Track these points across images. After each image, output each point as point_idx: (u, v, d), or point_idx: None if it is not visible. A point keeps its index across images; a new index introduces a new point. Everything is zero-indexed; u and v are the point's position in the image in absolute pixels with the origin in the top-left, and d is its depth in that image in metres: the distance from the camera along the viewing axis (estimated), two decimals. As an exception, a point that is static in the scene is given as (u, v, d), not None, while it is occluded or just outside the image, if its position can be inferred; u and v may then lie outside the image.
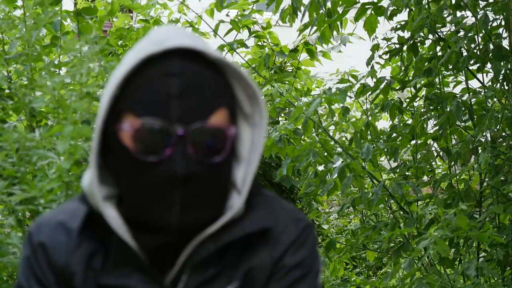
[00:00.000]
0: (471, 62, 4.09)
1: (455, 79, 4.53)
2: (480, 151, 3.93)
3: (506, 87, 4.00)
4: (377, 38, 4.32)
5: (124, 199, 1.36)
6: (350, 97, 4.24)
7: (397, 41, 4.25)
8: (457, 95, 4.10)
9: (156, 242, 1.34)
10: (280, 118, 5.82)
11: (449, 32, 4.24)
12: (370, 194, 3.84)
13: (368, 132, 4.15)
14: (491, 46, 3.99)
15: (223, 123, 1.32)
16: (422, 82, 4.17)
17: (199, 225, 1.34)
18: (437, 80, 4.11)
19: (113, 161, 1.35)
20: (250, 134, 1.39)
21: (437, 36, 4.17)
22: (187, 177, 1.30)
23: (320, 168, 3.98)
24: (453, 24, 4.18)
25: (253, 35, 5.33)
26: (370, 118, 4.17)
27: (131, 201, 1.34)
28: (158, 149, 1.30)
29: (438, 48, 4.14)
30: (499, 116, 3.90)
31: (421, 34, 4.14)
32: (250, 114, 1.39)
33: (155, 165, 1.30)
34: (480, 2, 4.12)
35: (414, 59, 4.19)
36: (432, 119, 4.25)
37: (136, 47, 1.35)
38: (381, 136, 4.25)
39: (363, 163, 3.93)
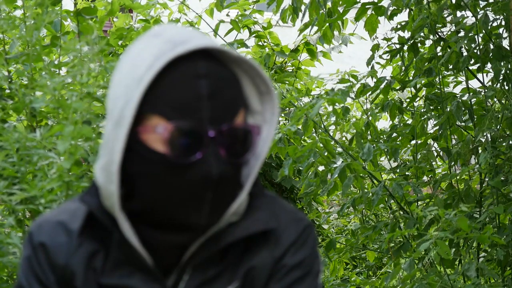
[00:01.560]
0: (471, 62, 4.09)
1: (455, 79, 4.53)
2: (480, 151, 3.93)
3: (506, 87, 4.00)
4: (377, 38, 4.32)
5: (143, 199, 1.35)
6: (353, 99, 4.24)
7: (397, 41, 4.25)
8: (457, 95, 4.11)
9: (172, 242, 1.34)
10: (280, 118, 5.82)
11: (449, 32, 4.24)
12: (370, 194, 3.84)
13: (368, 132, 4.15)
14: (491, 46, 3.99)
15: (244, 121, 1.34)
16: (422, 82, 4.17)
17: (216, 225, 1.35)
18: (437, 80, 4.11)
19: (132, 162, 1.34)
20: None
21: (437, 36, 4.17)
22: (220, 179, 1.30)
23: (321, 168, 3.98)
24: (453, 24, 4.18)
25: (254, 35, 5.34)
26: (370, 118, 4.17)
27: (155, 202, 1.33)
28: (190, 151, 1.30)
29: (439, 48, 4.14)
30: (499, 116, 3.90)
31: (422, 34, 4.14)
32: (259, 110, 1.39)
33: (188, 167, 1.30)
34: (480, 2, 4.12)
35: (414, 59, 4.19)
36: (432, 119, 4.25)
37: (146, 47, 1.33)
38: (381, 136, 4.25)
39: (364, 163, 3.93)
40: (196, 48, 1.30)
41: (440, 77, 4.06)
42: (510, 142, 3.96)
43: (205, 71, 1.30)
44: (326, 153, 3.82)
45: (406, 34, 4.28)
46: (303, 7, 4.27)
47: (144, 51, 1.33)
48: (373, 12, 4.21)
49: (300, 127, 3.90)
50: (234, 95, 1.32)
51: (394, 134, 4.24)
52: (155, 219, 1.34)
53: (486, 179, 4.03)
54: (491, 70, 4.03)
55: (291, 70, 5.62)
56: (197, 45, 1.30)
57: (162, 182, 1.32)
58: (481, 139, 3.92)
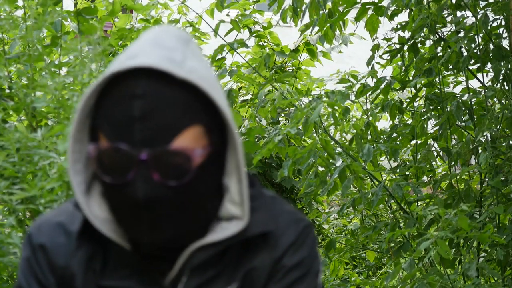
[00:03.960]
0: (471, 62, 4.09)
1: (455, 79, 4.53)
2: (480, 151, 3.93)
3: (506, 87, 4.00)
4: (377, 38, 4.33)
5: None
6: (353, 101, 4.24)
7: (397, 41, 4.26)
8: (457, 95, 4.11)
9: (144, 251, 1.35)
10: (280, 118, 5.83)
11: (450, 32, 4.24)
12: (370, 195, 3.84)
13: (368, 132, 4.15)
14: (491, 46, 4.00)
15: (191, 143, 1.29)
16: (422, 82, 4.17)
17: (176, 241, 1.34)
18: (437, 80, 4.11)
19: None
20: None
21: (437, 36, 4.18)
22: (150, 201, 1.28)
23: (321, 168, 3.98)
24: (453, 24, 4.19)
25: (254, 35, 5.34)
26: (370, 118, 4.17)
27: (112, 214, 1.35)
28: (121, 172, 1.28)
29: (439, 48, 4.15)
30: (499, 116, 3.90)
31: (422, 34, 4.14)
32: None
33: (119, 187, 1.29)
34: (480, 2, 4.13)
35: (415, 59, 4.19)
36: (432, 119, 4.25)
37: (116, 59, 1.33)
38: (381, 136, 4.25)
39: (364, 164, 3.93)
40: (135, 66, 1.27)
41: (440, 77, 4.06)
42: (510, 142, 3.96)
43: (142, 91, 1.26)
44: (325, 154, 3.82)
45: (406, 34, 4.28)
46: (303, 8, 4.28)
47: (114, 61, 1.33)
48: (373, 12, 4.21)
49: (300, 127, 3.90)
50: (175, 116, 1.27)
51: (394, 134, 4.24)
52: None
53: (486, 179, 4.03)
54: (491, 70, 4.03)
55: (291, 70, 5.62)
56: (138, 64, 1.27)
57: (108, 199, 1.33)
58: (481, 139, 3.92)
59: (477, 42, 4.03)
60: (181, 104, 1.28)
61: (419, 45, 4.23)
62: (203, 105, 1.30)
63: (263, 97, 4.33)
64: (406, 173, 4.23)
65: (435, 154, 4.32)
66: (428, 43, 4.27)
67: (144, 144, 1.26)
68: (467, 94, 4.13)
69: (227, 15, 5.47)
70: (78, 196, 1.35)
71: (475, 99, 4.16)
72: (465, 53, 4.05)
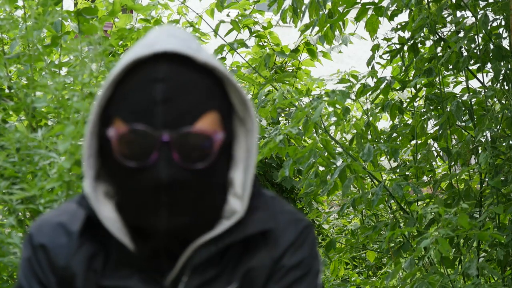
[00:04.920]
0: (471, 62, 4.09)
1: (455, 79, 4.54)
2: (480, 151, 3.93)
3: (506, 87, 4.01)
4: (377, 38, 4.33)
5: (119, 202, 1.37)
6: (354, 100, 4.24)
7: (397, 41, 4.26)
8: (457, 95, 4.11)
9: (151, 246, 1.35)
10: (280, 118, 5.83)
11: (450, 33, 4.24)
12: (370, 195, 3.84)
13: (369, 132, 4.15)
14: (491, 46, 4.00)
15: (211, 127, 1.31)
16: (422, 82, 4.18)
17: (189, 230, 1.34)
18: (437, 80, 4.11)
19: (107, 163, 1.36)
20: (246, 137, 1.39)
21: (437, 36, 4.18)
22: (172, 183, 1.29)
23: (321, 168, 3.98)
24: (453, 24, 4.19)
25: (254, 35, 5.34)
26: (370, 118, 4.17)
27: (123, 204, 1.35)
28: (143, 155, 1.29)
29: (439, 48, 4.15)
30: (499, 116, 3.90)
31: (422, 34, 4.15)
32: (244, 118, 1.39)
33: (140, 170, 1.30)
34: (480, 2, 4.13)
35: (414, 59, 4.20)
36: (432, 119, 4.26)
37: (130, 50, 1.35)
38: (382, 136, 4.25)
39: (364, 164, 3.93)
40: (157, 51, 1.30)
41: (440, 77, 4.07)
42: (510, 142, 3.96)
43: (164, 74, 1.29)
44: (326, 154, 3.82)
45: (406, 34, 4.28)
46: (303, 8, 4.28)
47: (126, 54, 1.35)
48: (373, 12, 4.22)
49: (300, 127, 3.90)
50: (196, 100, 1.30)
51: (394, 134, 4.24)
52: (131, 222, 1.35)
53: (486, 179, 4.04)
54: (491, 70, 4.03)
55: (291, 70, 5.62)
56: (160, 49, 1.30)
57: (123, 185, 1.34)
58: (481, 139, 3.93)
59: (477, 42, 4.04)
60: (201, 89, 1.31)
61: (419, 45, 4.23)
62: (219, 91, 1.33)
63: (263, 97, 4.33)
64: (406, 173, 4.23)
65: (435, 154, 4.32)
66: (428, 43, 4.27)
67: (166, 126, 1.28)
68: (467, 94, 4.13)
69: (227, 15, 5.47)
70: (89, 190, 1.35)
71: (475, 99, 4.17)
72: (465, 53, 4.05)
